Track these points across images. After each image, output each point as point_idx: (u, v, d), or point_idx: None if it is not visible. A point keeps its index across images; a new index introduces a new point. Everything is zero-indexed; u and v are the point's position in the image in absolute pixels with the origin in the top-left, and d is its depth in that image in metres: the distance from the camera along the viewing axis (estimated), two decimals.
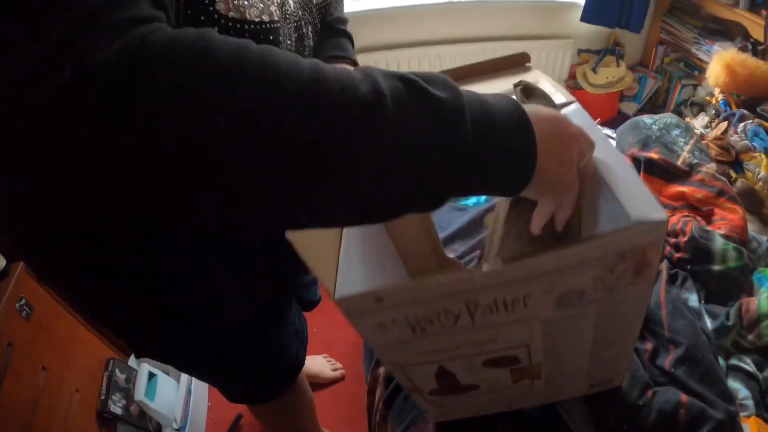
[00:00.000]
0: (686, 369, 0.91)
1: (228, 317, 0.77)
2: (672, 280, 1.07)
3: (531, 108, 0.44)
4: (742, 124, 1.55)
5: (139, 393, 1.53)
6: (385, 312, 0.57)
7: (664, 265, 1.05)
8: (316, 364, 1.79)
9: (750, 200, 1.34)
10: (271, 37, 0.62)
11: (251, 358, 0.89)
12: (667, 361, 0.92)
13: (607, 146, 0.57)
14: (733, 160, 1.41)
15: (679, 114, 1.64)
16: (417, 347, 0.63)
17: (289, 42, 0.69)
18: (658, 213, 0.48)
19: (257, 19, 0.59)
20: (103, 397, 1.48)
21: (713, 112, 1.60)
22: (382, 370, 1.05)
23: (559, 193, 0.47)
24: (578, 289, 0.54)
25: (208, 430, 1.76)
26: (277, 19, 0.63)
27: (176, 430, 1.62)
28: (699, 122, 1.53)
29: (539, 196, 0.47)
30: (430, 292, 0.54)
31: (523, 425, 0.89)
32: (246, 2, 0.58)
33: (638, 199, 0.50)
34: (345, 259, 0.59)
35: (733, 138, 1.46)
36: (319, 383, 1.78)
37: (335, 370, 1.81)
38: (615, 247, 0.49)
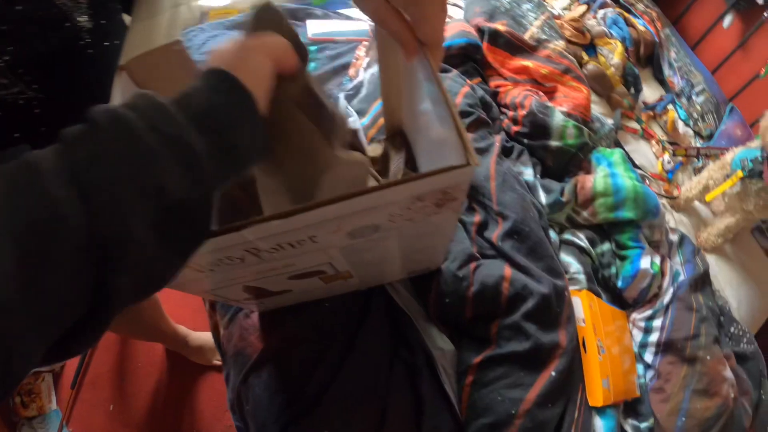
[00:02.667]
0: (514, 243, 0.85)
1: None
2: (507, 153, 1.00)
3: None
4: (602, 11, 1.50)
5: None
6: None
7: (499, 137, 0.98)
8: None
9: (600, 84, 1.30)
10: None
11: None
12: (494, 234, 0.86)
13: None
14: (587, 44, 1.36)
15: None
16: (209, 281, 0.57)
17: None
18: (458, 159, 0.42)
19: None
20: None
21: None
22: None
23: None
24: (372, 225, 0.50)
25: None
26: None
27: None
28: (559, 3, 1.45)
29: None
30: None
31: (350, 301, 0.82)
32: None
33: (442, 145, 0.46)
34: None
35: (590, 22, 1.39)
36: None
37: None
38: (406, 193, 0.44)
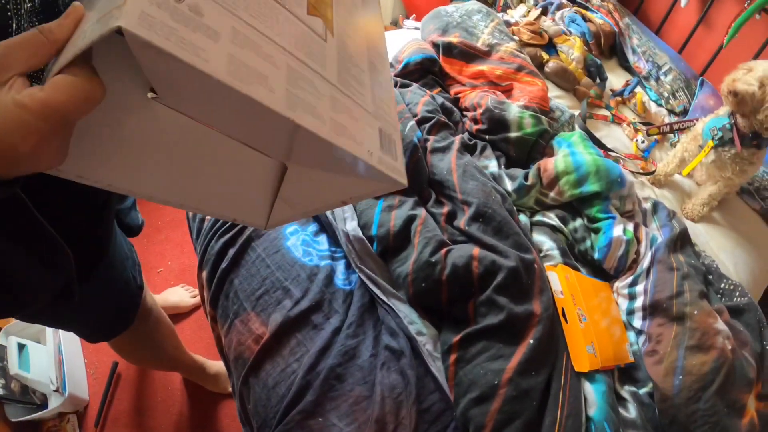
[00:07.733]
0: (479, 225, 0.92)
1: (40, 287, 0.71)
2: (471, 150, 1.07)
3: None
4: (560, 12, 1.58)
5: (14, 366, 1.49)
6: None
7: (459, 137, 1.05)
8: (175, 294, 1.80)
9: (564, 79, 1.37)
10: None
11: (86, 300, 0.81)
12: (462, 220, 0.92)
13: None
14: (546, 44, 1.44)
15: (505, 6, 1.65)
16: None
17: None
18: None
19: None
20: None
21: (532, 2, 1.63)
22: (204, 273, 1.03)
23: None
24: None
25: (91, 386, 1.76)
26: None
27: (55, 390, 1.57)
28: (517, 13, 1.55)
29: None
30: None
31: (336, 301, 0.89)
32: None
33: None
34: None
35: (546, 23, 1.48)
36: (182, 313, 1.79)
37: (194, 296, 1.82)
38: None
